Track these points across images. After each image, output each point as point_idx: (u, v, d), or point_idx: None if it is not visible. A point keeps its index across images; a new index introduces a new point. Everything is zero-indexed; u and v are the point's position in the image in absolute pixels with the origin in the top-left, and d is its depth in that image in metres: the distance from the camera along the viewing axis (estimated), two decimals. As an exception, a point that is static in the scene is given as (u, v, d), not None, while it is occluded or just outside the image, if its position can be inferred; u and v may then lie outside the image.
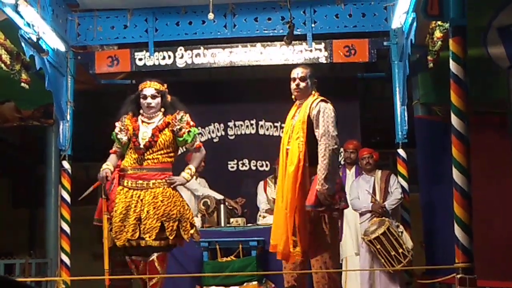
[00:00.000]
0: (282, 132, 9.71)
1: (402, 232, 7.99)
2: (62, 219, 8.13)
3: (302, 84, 6.16)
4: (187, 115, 6.45)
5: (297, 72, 6.23)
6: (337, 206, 5.98)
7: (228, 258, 7.97)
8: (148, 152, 6.26)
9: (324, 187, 5.73)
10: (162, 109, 6.47)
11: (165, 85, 6.56)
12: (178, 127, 6.37)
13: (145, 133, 6.31)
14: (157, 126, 6.35)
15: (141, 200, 6.16)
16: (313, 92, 6.23)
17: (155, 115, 6.44)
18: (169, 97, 6.54)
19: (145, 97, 6.39)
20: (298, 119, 6.08)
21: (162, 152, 6.34)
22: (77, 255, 7.58)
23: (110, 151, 6.43)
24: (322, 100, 6.09)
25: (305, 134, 5.93)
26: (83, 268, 7.27)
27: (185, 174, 6.48)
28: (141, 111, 6.45)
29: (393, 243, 7.63)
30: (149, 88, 6.42)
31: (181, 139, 6.39)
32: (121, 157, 6.39)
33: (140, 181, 6.22)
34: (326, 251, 5.95)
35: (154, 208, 6.13)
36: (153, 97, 6.40)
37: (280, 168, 6.30)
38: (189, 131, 6.43)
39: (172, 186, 6.28)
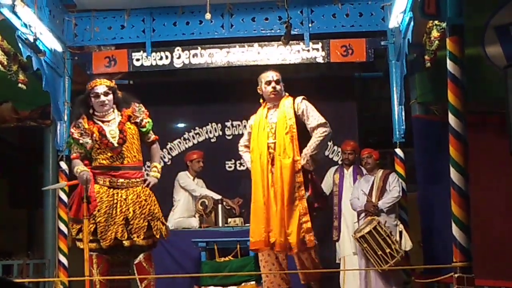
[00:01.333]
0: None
1: (401, 232, 7.99)
2: (59, 220, 8.11)
3: (278, 87, 6.92)
4: (142, 105, 6.61)
5: (272, 75, 6.96)
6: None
7: (226, 258, 7.97)
8: (124, 149, 6.34)
9: (308, 164, 6.67)
10: (114, 106, 6.51)
11: (113, 81, 6.64)
12: (140, 118, 6.53)
13: (112, 131, 6.35)
14: (120, 121, 6.41)
15: (125, 200, 6.24)
16: (285, 93, 7.05)
17: (109, 112, 6.47)
18: (119, 93, 6.59)
19: (97, 96, 6.42)
20: (280, 117, 6.78)
21: (136, 147, 6.46)
22: (75, 256, 7.55)
23: (72, 156, 6.40)
24: (303, 98, 6.95)
25: (296, 129, 6.70)
26: (81, 269, 7.24)
27: (155, 173, 6.60)
28: (94, 112, 6.46)
29: (380, 243, 7.61)
30: (100, 86, 6.45)
31: (144, 129, 6.57)
32: (83, 160, 6.38)
33: (121, 180, 6.32)
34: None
35: (139, 207, 6.26)
36: (106, 94, 6.44)
37: (257, 165, 6.54)
38: (147, 121, 6.60)
39: (149, 187, 6.40)
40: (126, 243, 6.23)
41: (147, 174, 6.59)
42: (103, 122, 6.42)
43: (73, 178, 6.68)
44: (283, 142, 6.66)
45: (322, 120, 6.85)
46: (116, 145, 6.31)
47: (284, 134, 6.68)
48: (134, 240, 6.22)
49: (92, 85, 6.48)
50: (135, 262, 6.39)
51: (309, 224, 6.55)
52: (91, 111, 6.48)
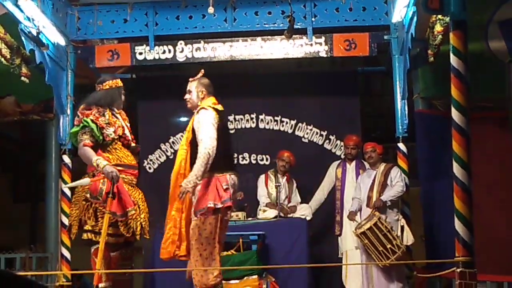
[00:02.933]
0: (283, 126, 9.86)
1: (403, 227, 7.99)
2: (62, 214, 8.12)
3: (188, 96, 6.67)
4: None
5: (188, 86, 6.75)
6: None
7: (229, 252, 7.97)
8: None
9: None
10: None
11: None
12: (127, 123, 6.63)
13: (126, 130, 6.50)
14: (125, 123, 6.58)
15: (138, 197, 6.45)
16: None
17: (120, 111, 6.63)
18: None
19: (123, 93, 6.63)
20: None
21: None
22: (77, 249, 7.55)
23: (85, 143, 6.20)
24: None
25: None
26: (84, 262, 7.26)
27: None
28: (113, 106, 6.52)
29: (381, 239, 7.61)
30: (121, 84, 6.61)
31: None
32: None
33: (134, 179, 6.51)
34: None
35: (146, 207, 6.52)
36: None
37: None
38: None
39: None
40: (138, 237, 6.40)
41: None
42: (118, 119, 6.51)
43: (79, 166, 6.70)
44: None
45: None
46: (133, 144, 6.52)
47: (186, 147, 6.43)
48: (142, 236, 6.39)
49: (119, 81, 6.63)
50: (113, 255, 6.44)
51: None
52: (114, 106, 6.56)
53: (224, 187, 6.17)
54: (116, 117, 6.47)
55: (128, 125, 6.62)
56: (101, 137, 6.23)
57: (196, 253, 6.18)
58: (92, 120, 6.21)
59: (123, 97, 6.62)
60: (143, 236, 6.43)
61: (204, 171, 6.04)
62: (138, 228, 6.30)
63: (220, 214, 6.21)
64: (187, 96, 6.64)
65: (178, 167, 6.28)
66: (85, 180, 6.15)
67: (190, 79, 6.68)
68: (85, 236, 6.27)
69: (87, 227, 6.24)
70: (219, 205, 6.12)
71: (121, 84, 6.63)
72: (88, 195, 6.17)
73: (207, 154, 6.04)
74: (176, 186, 6.21)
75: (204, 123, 6.22)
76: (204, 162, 6.02)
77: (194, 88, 6.60)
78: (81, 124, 6.23)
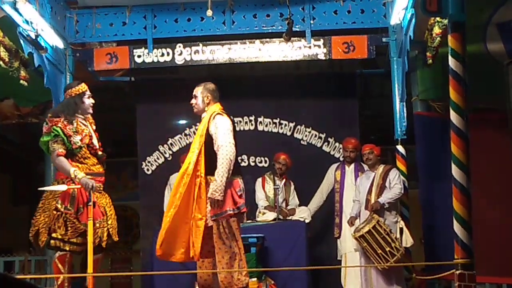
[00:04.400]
0: (281, 128, 9.86)
1: (402, 229, 7.99)
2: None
3: (193, 101, 6.72)
4: None
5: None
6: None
7: (228, 255, 7.95)
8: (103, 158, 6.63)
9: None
10: None
11: None
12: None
13: (94, 137, 6.58)
14: (93, 130, 6.63)
15: (108, 203, 6.58)
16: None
17: (87, 117, 6.68)
18: None
19: (89, 97, 6.64)
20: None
21: None
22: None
23: (59, 152, 6.31)
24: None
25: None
26: (81, 265, 7.27)
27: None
28: (79, 114, 6.57)
29: (380, 242, 7.61)
30: (88, 90, 6.66)
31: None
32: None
33: (101, 185, 6.57)
34: None
35: (113, 211, 6.63)
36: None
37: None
38: None
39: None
40: (103, 244, 6.46)
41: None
42: (85, 126, 6.59)
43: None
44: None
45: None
46: (100, 153, 6.58)
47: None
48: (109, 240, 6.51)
49: (83, 87, 6.66)
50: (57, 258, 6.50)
51: None
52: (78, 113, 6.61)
53: (239, 193, 6.37)
54: (85, 125, 6.56)
55: (95, 132, 6.67)
56: (70, 146, 6.34)
57: (226, 255, 6.33)
58: (61, 129, 6.32)
59: (87, 101, 6.61)
60: (113, 239, 6.54)
61: (228, 176, 6.23)
62: (105, 235, 6.42)
63: (237, 218, 6.41)
64: (193, 101, 6.72)
65: (185, 169, 6.37)
66: (62, 186, 6.23)
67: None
68: (52, 242, 6.39)
69: (55, 235, 6.34)
70: (236, 211, 6.32)
71: (83, 90, 6.63)
72: (58, 205, 6.28)
73: (229, 160, 6.24)
74: (180, 186, 6.33)
75: (222, 129, 6.37)
76: (227, 168, 6.21)
77: (200, 94, 6.68)
78: (52, 133, 6.33)
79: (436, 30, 7.33)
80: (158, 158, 10.04)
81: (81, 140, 6.39)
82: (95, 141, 6.57)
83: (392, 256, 7.58)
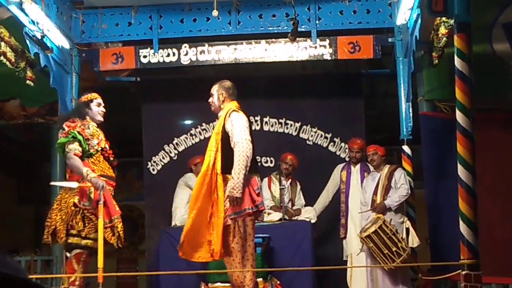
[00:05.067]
0: (287, 128, 9.86)
1: (408, 229, 7.99)
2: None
3: (210, 99, 6.81)
4: None
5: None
6: None
7: (233, 255, 7.96)
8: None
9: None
10: None
11: None
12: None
13: (106, 143, 6.72)
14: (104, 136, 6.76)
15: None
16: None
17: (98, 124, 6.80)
18: None
19: (100, 104, 6.76)
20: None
21: None
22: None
23: (75, 153, 6.44)
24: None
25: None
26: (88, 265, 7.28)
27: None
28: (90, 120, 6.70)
29: (386, 242, 7.60)
30: (100, 98, 6.79)
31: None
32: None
33: (113, 190, 6.70)
34: None
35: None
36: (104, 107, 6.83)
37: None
38: None
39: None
40: (121, 244, 6.65)
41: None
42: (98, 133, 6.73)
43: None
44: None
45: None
46: (111, 158, 6.72)
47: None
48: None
49: (93, 95, 6.78)
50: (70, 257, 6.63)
51: None
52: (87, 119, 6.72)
53: (257, 191, 6.40)
54: (98, 132, 6.71)
55: (106, 140, 6.80)
56: (87, 148, 6.48)
57: (239, 254, 6.33)
58: (78, 132, 6.46)
59: (94, 108, 6.71)
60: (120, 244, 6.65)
61: (245, 173, 6.24)
62: (122, 236, 6.57)
63: (254, 217, 6.45)
64: (210, 100, 6.78)
65: (206, 168, 6.41)
66: (73, 184, 6.39)
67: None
68: (71, 240, 6.50)
69: (74, 232, 6.47)
70: (254, 209, 6.35)
71: (92, 97, 6.76)
72: (76, 201, 6.39)
73: (246, 157, 6.26)
74: (202, 186, 6.37)
75: (238, 126, 6.40)
76: (244, 165, 6.24)
77: (215, 91, 6.75)
78: (70, 135, 6.45)
79: (442, 30, 7.32)
80: (163, 158, 10.04)
81: (97, 143, 6.55)
82: (107, 146, 6.70)
83: (399, 256, 7.57)
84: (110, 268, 6.43)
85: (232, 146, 6.32)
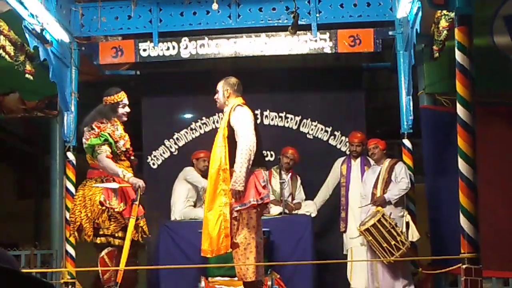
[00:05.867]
0: (287, 122, 9.84)
1: (408, 223, 7.98)
2: (67, 210, 8.12)
3: (215, 95, 6.89)
4: None
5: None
6: None
7: (233, 249, 7.95)
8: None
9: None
10: None
11: None
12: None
13: (129, 143, 6.91)
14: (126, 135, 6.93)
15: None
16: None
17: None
18: None
19: (124, 106, 6.91)
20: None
21: None
22: (82, 246, 7.57)
23: (108, 155, 6.61)
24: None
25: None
26: (88, 259, 7.27)
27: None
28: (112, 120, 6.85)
29: (385, 235, 7.60)
30: (126, 98, 6.96)
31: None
32: None
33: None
34: None
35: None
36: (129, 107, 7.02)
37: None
38: None
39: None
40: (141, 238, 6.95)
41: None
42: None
43: (83, 170, 7.10)
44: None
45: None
46: (132, 157, 6.93)
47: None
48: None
49: (121, 96, 6.90)
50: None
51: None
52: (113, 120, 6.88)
53: (262, 183, 6.46)
54: (124, 133, 6.89)
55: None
56: (115, 150, 6.68)
57: (241, 246, 6.41)
58: (109, 134, 6.63)
59: (121, 110, 6.89)
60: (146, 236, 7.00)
61: (248, 167, 6.32)
62: (146, 230, 6.89)
63: (259, 209, 6.50)
64: (216, 96, 6.87)
65: (219, 164, 6.44)
66: (115, 184, 6.60)
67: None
68: (100, 240, 6.68)
69: (102, 232, 6.65)
70: (259, 202, 6.40)
71: (119, 99, 6.89)
72: (102, 200, 6.54)
73: (249, 150, 6.34)
74: (217, 182, 6.42)
75: (242, 120, 6.50)
76: (247, 159, 6.32)
77: (221, 88, 6.84)
78: (102, 138, 6.60)
79: (443, 23, 7.29)
80: (164, 153, 10.03)
81: (123, 145, 6.77)
82: (129, 146, 6.91)
83: (398, 250, 7.57)
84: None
85: (237, 140, 6.38)
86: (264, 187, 6.46)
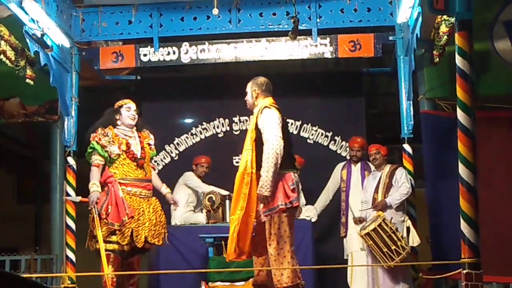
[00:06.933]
0: (288, 127, 9.82)
1: (409, 228, 7.97)
2: (67, 215, 8.12)
3: (245, 97, 6.83)
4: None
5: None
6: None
7: (234, 254, 7.94)
8: (145, 163, 7.09)
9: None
10: (135, 126, 7.27)
11: None
12: (152, 142, 7.32)
13: (136, 145, 7.07)
14: (140, 140, 7.17)
15: (148, 208, 6.98)
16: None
17: (132, 130, 7.21)
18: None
19: (130, 109, 7.14)
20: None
21: (149, 164, 7.27)
22: (82, 251, 7.57)
23: (94, 164, 6.95)
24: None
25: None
26: (89, 264, 7.28)
27: (169, 190, 7.59)
28: (117, 126, 7.13)
29: (385, 240, 7.59)
30: (132, 104, 7.22)
31: (152, 153, 7.37)
32: (103, 169, 7.01)
33: (145, 191, 7.05)
34: None
35: (159, 216, 7.06)
36: (136, 111, 7.22)
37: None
38: (154, 147, 7.44)
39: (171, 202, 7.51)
40: (147, 245, 6.96)
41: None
42: (128, 136, 7.12)
43: (83, 174, 7.36)
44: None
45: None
46: (139, 157, 7.00)
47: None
48: (151, 244, 6.98)
49: (125, 101, 7.20)
50: (132, 259, 7.12)
51: None
52: (118, 124, 7.16)
53: (291, 187, 6.28)
54: (126, 135, 7.10)
55: (141, 142, 7.20)
56: (106, 155, 6.91)
57: (274, 252, 6.25)
58: (96, 142, 6.91)
59: (124, 113, 7.14)
60: (150, 242, 6.95)
61: (275, 171, 6.15)
62: (141, 237, 6.84)
63: (289, 213, 6.31)
64: (246, 97, 6.78)
65: (244, 167, 6.34)
66: (76, 198, 7.31)
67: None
68: (97, 246, 6.87)
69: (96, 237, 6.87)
70: (288, 205, 6.24)
71: (122, 104, 7.19)
72: (94, 209, 6.84)
73: (275, 154, 6.17)
74: (242, 186, 6.31)
75: (269, 122, 6.33)
76: (273, 162, 6.14)
77: (249, 88, 6.76)
78: (90, 148, 6.96)
79: (443, 28, 7.30)
80: (164, 158, 10.04)
81: (118, 147, 6.92)
82: (134, 148, 7.03)
83: (398, 255, 7.56)
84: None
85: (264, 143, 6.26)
86: (293, 190, 6.27)
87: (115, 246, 6.76)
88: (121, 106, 7.15)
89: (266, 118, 6.34)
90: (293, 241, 6.36)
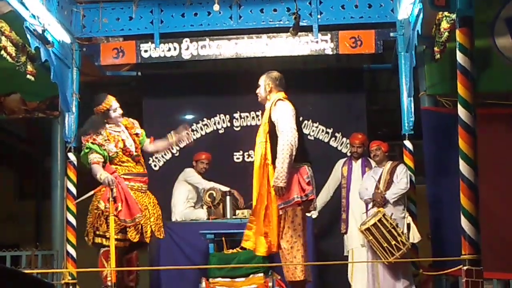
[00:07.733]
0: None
1: (409, 224, 7.98)
2: (68, 211, 8.12)
3: (257, 90, 6.88)
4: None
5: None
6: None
7: (234, 250, 7.96)
8: (140, 158, 7.18)
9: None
10: None
11: None
12: (139, 131, 7.36)
13: (128, 140, 7.13)
14: (129, 133, 7.21)
15: (149, 202, 7.10)
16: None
17: (119, 124, 7.24)
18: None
19: (116, 109, 7.18)
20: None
21: (141, 155, 7.27)
22: (83, 247, 7.58)
23: (93, 161, 6.92)
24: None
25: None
26: (89, 260, 7.29)
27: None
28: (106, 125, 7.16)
29: (385, 235, 7.59)
30: (114, 101, 7.24)
31: (141, 138, 7.34)
32: (103, 166, 6.99)
33: (144, 185, 7.14)
34: None
35: (157, 210, 7.19)
36: (119, 106, 7.25)
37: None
38: (141, 132, 7.46)
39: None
40: (147, 240, 7.03)
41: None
42: (118, 132, 7.17)
43: (84, 171, 7.33)
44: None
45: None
46: (135, 153, 7.08)
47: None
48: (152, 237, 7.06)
49: (108, 102, 7.18)
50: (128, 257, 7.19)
51: None
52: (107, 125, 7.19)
53: (306, 180, 6.34)
54: (117, 131, 7.15)
55: (131, 135, 7.26)
56: (105, 153, 6.94)
57: (287, 245, 6.31)
58: (92, 143, 6.94)
59: (113, 115, 7.19)
60: (156, 236, 7.13)
61: (290, 162, 6.19)
62: (148, 232, 6.95)
63: (304, 206, 6.36)
64: (257, 90, 6.81)
65: (260, 161, 6.42)
66: (90, 192, 6.94)
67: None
68: (97, 240, 6.97)
69: (99, 232, 6.93)
70: (304, 198, 6.29)
71: (108, 106, 7.17)
72: (100, 205, 6.83)
73: (290, 145, 6.22)
74: (259, 178, 6.41)
75: (283, 115, 6.38)
76: (288, 154, 6.19)
77: (262, 82, 6.77)
78: (85, 149, 6.97)
79: (444, 25, 7.29)
80: (165, 154, 10.03)
81: (115, 146, 6.98)
82: (128, 143, 7.10)
83: (398, 250, 7.56)
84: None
85: (278, 135, 6.29)
86: (308, 183, 6.32)
87: (119, 243, 6.77)
88: (107, 110, 7.17)
89: (281, 110, 6.39)
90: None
